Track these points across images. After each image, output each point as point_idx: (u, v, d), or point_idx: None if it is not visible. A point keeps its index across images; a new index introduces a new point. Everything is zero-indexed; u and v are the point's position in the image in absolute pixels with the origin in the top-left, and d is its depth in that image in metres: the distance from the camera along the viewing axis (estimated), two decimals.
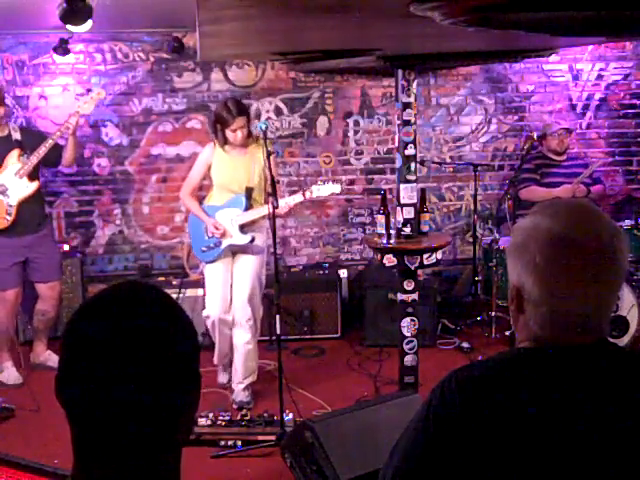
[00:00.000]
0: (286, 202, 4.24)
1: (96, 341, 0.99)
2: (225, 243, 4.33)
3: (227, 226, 4.31)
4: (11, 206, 4.59)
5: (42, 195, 4.89)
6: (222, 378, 4.65)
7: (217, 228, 4.28)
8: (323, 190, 4.31)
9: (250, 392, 4.41)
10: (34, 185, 4.65)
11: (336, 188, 4.36)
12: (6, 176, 4.59)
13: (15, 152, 4.62)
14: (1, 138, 4.63)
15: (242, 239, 4.30)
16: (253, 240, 4.30)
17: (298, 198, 4.29)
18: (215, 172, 4.34)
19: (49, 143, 4.60)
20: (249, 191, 4.30)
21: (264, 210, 4.19)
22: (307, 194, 4.29)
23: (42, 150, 4.58)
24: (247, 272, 4.33)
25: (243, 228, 4.31)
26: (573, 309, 1.26)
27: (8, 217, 4.58)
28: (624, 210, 6.03)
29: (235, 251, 4.37)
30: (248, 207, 4.30)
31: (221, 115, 4.18)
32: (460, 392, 1.27)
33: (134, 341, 0.99)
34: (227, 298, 4.37)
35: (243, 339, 4.34)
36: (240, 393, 4.37)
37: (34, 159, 4.59)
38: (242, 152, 4.30)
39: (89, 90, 4.86)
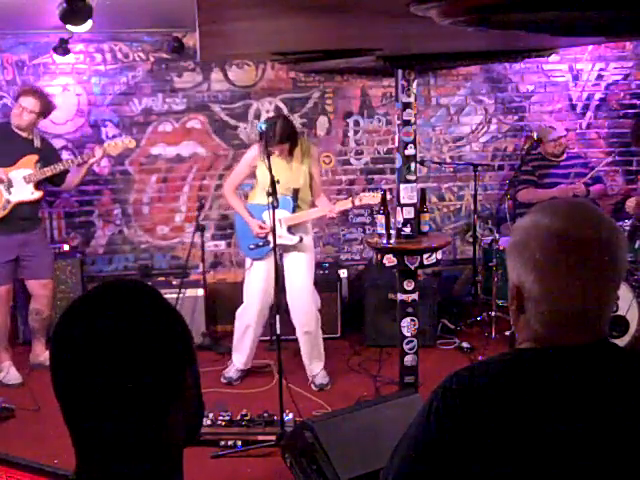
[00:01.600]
0: (333, 208, 4.51)
1: (85, 340, 0.99)
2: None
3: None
4: (9, 202, 4.64)
5: (40, 202, 4.92)
6: (233, 374, 4.71)
7: (262, 228, 4.42)
8: (370, 198, 4.50)
9: (326, 373, 4.61)
10: (38, 194, 4.75)
11: (378, 197, 4.48)
12: (16, 175, 4.66)
13: (33, 157, 4.72)
14: (25, 139, 4.74)
15: (291, 239, 4.46)
16: (301, 240, 4.46)
17: (347, 204, 4.52)
18: (260, 173, 4.43)
19: (65, 165, 4.76)
20: (295, 192, 4.44)
21: (314, 212, 4.48)
22: (356, 201, 4.48)
23: (57, 168, 4.71)
24: (302, 266, 4.50)
25: (290, 229, 4.46)
26: (573, 307, 1.26)
27: (1, 211, 4.62)
28: (624, 210, 6.01)
29: (285, 249, 4.51)
30: (295, 208, 4.45)
31: (267, 134, 4.25)
32: (461, 393, 1.27)
33: (125, 339, 0.99)
34: (268, 300, 4.52)
35: (307, 328, 4.49)
36: (318, 376, 4.55)
37: (47, 172, 4.70)
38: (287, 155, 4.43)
39: (121, 134, 4.96)
